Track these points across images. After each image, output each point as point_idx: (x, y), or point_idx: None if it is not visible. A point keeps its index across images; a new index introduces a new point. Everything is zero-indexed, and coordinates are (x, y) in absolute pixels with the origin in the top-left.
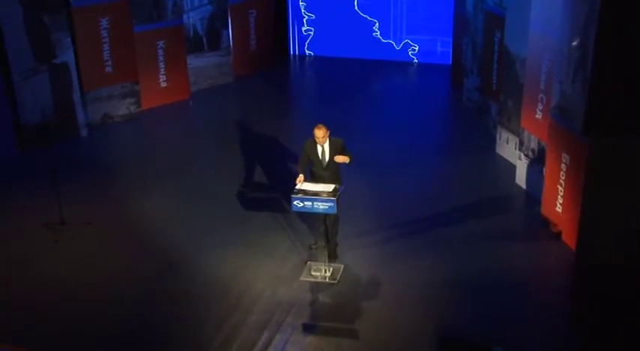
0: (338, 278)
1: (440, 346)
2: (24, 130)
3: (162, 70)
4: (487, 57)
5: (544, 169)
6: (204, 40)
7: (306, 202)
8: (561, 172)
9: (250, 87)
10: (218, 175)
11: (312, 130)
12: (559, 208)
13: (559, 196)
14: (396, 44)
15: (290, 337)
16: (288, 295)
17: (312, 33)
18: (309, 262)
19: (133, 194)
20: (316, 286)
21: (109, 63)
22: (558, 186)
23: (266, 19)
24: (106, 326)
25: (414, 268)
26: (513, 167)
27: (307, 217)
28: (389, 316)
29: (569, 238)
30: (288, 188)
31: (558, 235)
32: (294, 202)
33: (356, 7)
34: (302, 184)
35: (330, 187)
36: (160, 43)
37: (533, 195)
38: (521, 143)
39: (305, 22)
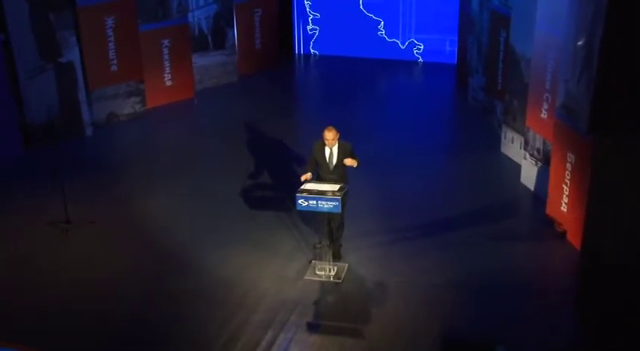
0: (342, 277)
1: (444, 345)
2: (29, 129)
3: (167, 68)
4: (492, 56)
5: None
6: (209, 39)
7: (310, 201)
8: (566, 172)
9: (255, 86)
10: (222, 174)
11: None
12: (564, 208)
13: (564, 196)
14: (401, 43)
15: (294, 336)
16: (293, 294)
17: (317, 32)
18: (313, 261)
19: (137, 193)
20: (321, 286)
21: (114, 62)
22: (563, 185)
23: (271, 18)
24: (110, 325)
25: (418, 267)
26: (518, 167)
27: (312, 216)
28: (393, 315)
29: (574, 238)
30: (293, 187)
31: (563, 234)
32: (299, 201)
33: (361, 6)
34: (307, 184)
35: (335, 187)
36: (165, 42)
37: (538, 194)
38: (526, 142)
39: (310, 21)
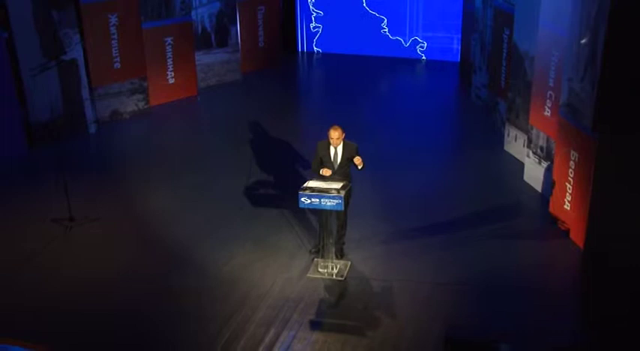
0: (345, 275)
1: (447, 343)
2: (33, 126)
3: (170, 66)
4: (496, 54)
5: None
6: (213, 37)
7: (313, 199)
8: (570, 170)
9: (258, 84)
10: (225, 171)
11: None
12: (567, 206)
13: (567, 194)
14: (404, 41)
15: (297, 333)
16: (296, 291)
17: (319, 30)
18: (316, 259)
19: (140, 190)
20: (323, 284)
21: (118, 59)
22: (567, 183)
23: (274, 15)
24: (112, 322)
25: (421, 266)
26: (521, 165)
27: (315, 214)
28: (396, 313)
29: (577, 236)
30: (296, 185)
31: (566, 232)
32: (302, 199)
33: (364, 4)
34: (310, 182)
35: (338, 184)
36: (169, 40)
37: (541, 193)
38: (529, 141)
39: (313, 18)
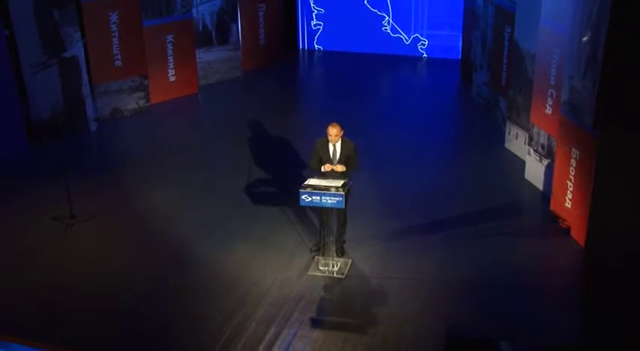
0: (346, 273)
1: (447, 341)
2: (33, 124)
3: (171, 64)
4: (497, 52)
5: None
6: (213, 35)
7: (314, 197)
8: (571, 168)
9: (259, 81)
10: (226, 169)
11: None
12: (568, 204)
13: (568, 192)
14: (405, 39)
15: (297, 331)
16: (296, 289)
17: (321, 27)
18: (317, 257)
19: (141, 188)
20: (324, 281)
21: (118, 57)
22: (567, 182)
23: (275, 13)
24: (112, 320)
25: (421, 264)
26: (522, 163)
27: (316, 212)
28: (396, 312)
29: (577, 234)
30: (297, 183)
31: (567, 230)
32: (302, 197)
33: (365, 2)
34: (310, 179)
35: (339, 182)
36: (169, 38)
37: (542, 191)
38: (530, 138)
39: (314, 16)
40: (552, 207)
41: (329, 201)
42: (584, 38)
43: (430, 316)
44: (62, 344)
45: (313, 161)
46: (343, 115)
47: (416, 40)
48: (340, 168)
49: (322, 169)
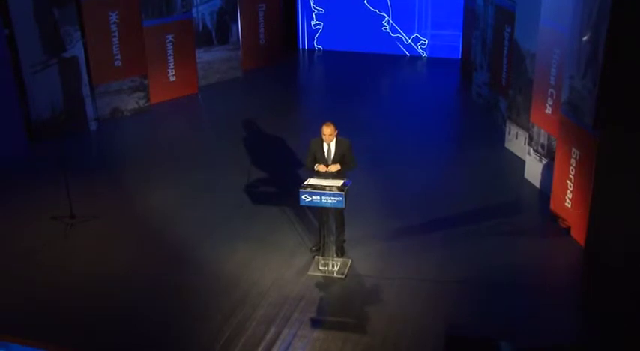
0: (346, 273)
1: (447, 341)
2: (33, 124)
3: (171, 64)
4: (497, 52)
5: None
6: (213, 35)
7: (314, 197)
8: (571, 168)
9: (259, 81)
10: (226, 169)
11: (321, 126)
12: (568, 204)
13: (568, 192)
14: (405, 38)
15: (297, 331)
16: (296, 289)
17: (320, 27)
18: (317, 257)
19: (141, 188)
20: (324, 281)
21: (118, 57)
22: (567, 181)
23: (275, 13)
24: (113, 319)
25: (421, 264)
26: (522, 162)
27: (316, 212)
28: (396, 311)
29: (577, 234)
30: (297, 182)
31: (567, 230)
32: (302, 197)
33: (365, 1)
34: (310, 179)
35: (338, 182)
36: (169, 37)
37: (542, 190)
38: (530, 138)
39: (314, 16)
40: (552, 207)
41: (329, 201)
42: (584, 38)
43: (430, 316)
44: (62, 344)
45: (308, 161)
46: (343, 115)
47: (416, 39)
48: (334, 168)
49: (315, 168)
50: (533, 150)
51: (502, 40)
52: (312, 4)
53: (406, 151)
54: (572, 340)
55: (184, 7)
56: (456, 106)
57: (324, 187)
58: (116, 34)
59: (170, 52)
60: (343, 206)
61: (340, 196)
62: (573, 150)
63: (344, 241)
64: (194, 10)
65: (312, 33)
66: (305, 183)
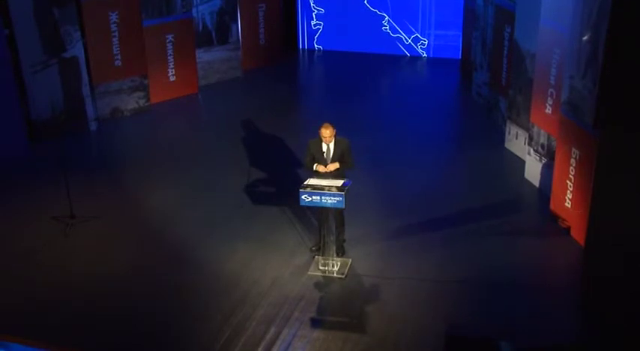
0: (346, 273)
1: (447, 341)
2: (33, 123)
3: (171, 64)
4: (497, 52)
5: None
6: (213, 34)
7: (314, 197)
8: (571, 168)
9: (259, 81)
10: (226, 169)
11: (319, 128)
12: (568, 204)
13: (568, 192)
14: (405, 38)
15: (297, 331)
16: (296, 289)
17: (320, 27)
18: (317, 257)
19: (141, 188)
20: (324, 281)
21: (118, 57)
22: (567, 181)
23: (275, 13)
24: (113, 319)
25: (421, 264)
26: (522, 162)
27: (316, 212)
28: (396, 311)
29: (577, 234)
30: (297, 182)
31: (567, 230)
32: (302, 197)
33: (365, 1)
34: (310, 179)
35: (338, 182)
36: (169, 37)
37: (542, 190)
38: (530, 138)
39: (314, 16)
40: (552, 207)
41: (329, 201)
42: (584, 38)
43: (430, 316)
44: (62, 344)
45: (307, 161)
46: (343, 115)
47: (416, 39)
48: (333, 167)
49: (314, 168)
50: (534, 150)
51: (502, 40)
52: (312, 4)
53: (406, 151)
54: (572, 340)
55: (184, 7)
56: (456, 106)
57: (324, 187)
58: (116, 34)
59: (170, 52)
60: (343, 206)
61: (340, 196)
62: (573, 150)
63: (344, 240)
64: (194, 10)
65: (312, 33)
66: (305, 183)
